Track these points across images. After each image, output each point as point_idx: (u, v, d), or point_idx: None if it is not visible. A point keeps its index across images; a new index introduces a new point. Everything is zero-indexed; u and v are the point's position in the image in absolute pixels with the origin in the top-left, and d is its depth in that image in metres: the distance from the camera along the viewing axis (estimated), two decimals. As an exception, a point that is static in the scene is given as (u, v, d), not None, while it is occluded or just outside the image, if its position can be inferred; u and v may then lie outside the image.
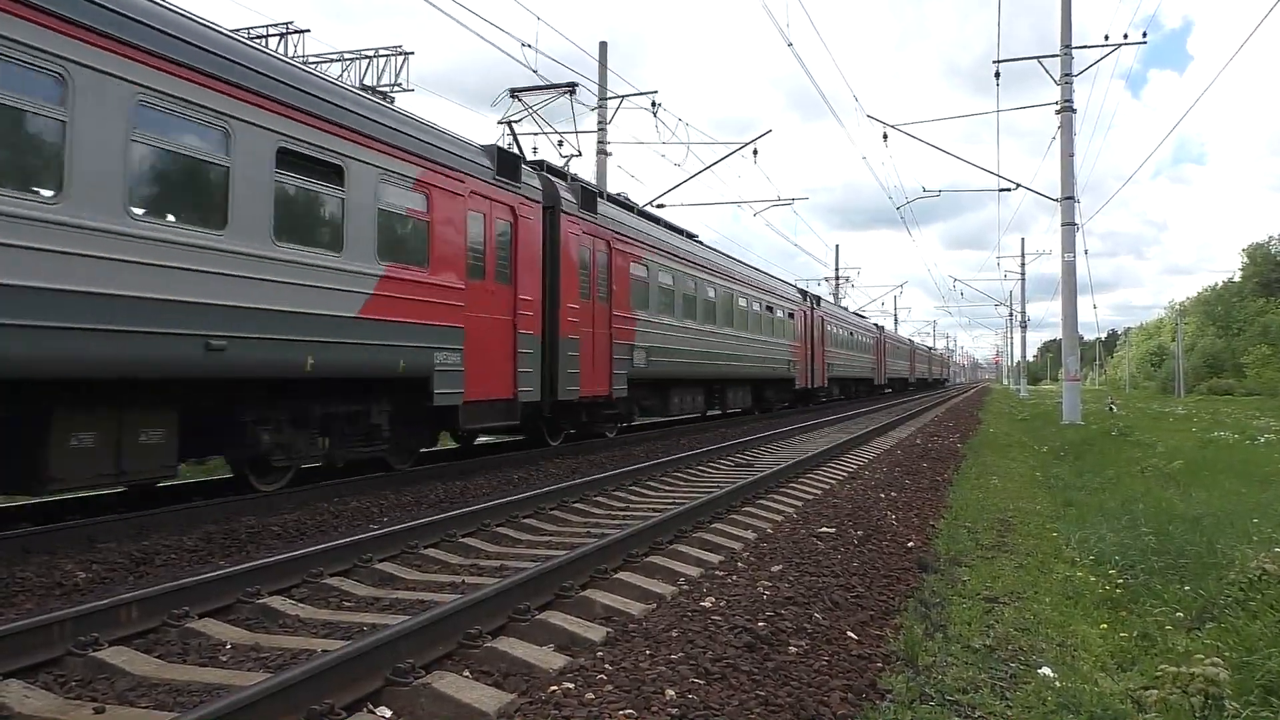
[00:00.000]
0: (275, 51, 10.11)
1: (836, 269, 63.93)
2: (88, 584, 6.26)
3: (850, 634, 4.89)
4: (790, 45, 20.40)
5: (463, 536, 7.44)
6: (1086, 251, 27.65)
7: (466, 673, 4.12)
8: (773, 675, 4.10)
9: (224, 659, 4.53)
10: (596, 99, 25.49)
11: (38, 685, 4.10)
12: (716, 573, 6.05)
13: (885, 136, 27.54)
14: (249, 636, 4.83)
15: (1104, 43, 24.92)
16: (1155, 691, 3.82)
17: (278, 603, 5.40)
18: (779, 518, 8.44)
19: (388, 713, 3.72)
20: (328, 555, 6.29)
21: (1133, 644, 5.04)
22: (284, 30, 23.35)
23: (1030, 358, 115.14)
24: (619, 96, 25.80)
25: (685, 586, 5.70)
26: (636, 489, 10.57)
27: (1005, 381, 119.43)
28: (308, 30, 20.29)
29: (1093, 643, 4.97)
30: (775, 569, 6.11)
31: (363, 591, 5.85)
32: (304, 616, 5.23)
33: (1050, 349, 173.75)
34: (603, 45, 25.31)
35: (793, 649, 4.48)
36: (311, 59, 22.76)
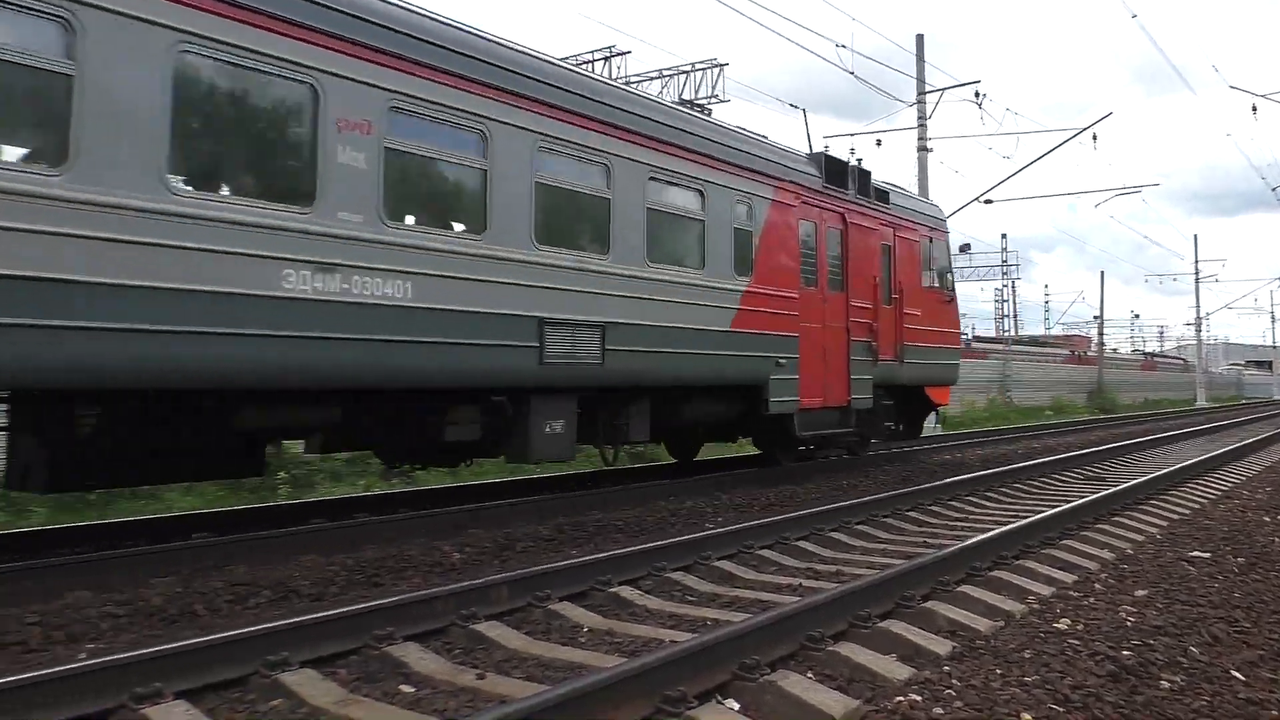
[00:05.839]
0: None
1: (1196, 261, 57.34)
2: (462, 564, 7.01)
3: (1235, 673, 4.36)
4: (1134, 16, 18.53)
5: (796, 540, 7.50)
6: None
7: (810, 674, 4.15)
8: (1142, 710, 3.76)
9: (582, 640, 4.89)
10: (915, 94, 24.68)
11: (429, 649, 4.66)
12: (1070, 593, 5.64)
13: (1254, 109, 24.53)
14: (603, 621, 5.19)
15: None
16: None
17: (627, 592, 5.75)
18: (1140, 538, 7.69)
19: (735, 705, 3.81)
20: (669, 551, 6.61)
21: None
22: (608, 54, 24.93)
23: None
24: (938, 90, 24.81)
25: (1036, 605, 5.36)
26: (974, 499, 10.09)
27: None
28: (629, 52, 21.44)
29: None
30: (1139, 594, 5.59)
31: (704, 588, 6.06)
32: (651, 607, 5.53)
33: None
34: (919, 38, 24.45)
35: (1164, 683, 4.08)
36: (633, 79, 24.23)
